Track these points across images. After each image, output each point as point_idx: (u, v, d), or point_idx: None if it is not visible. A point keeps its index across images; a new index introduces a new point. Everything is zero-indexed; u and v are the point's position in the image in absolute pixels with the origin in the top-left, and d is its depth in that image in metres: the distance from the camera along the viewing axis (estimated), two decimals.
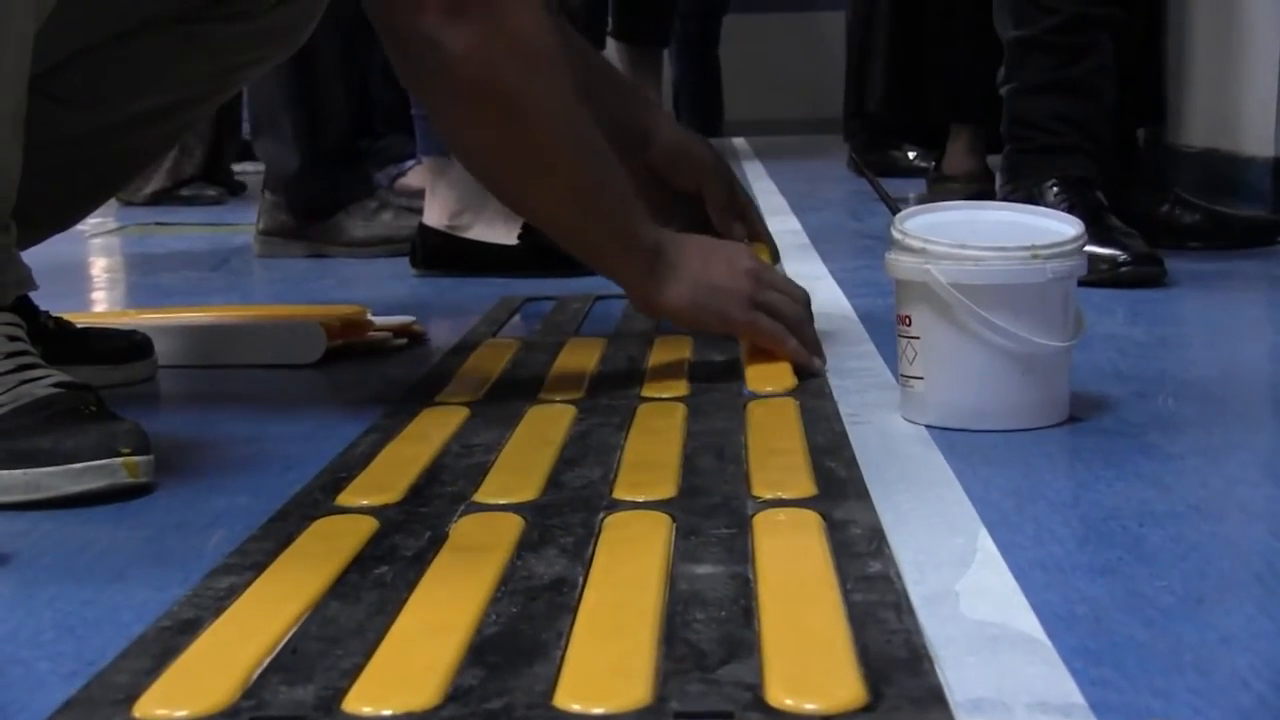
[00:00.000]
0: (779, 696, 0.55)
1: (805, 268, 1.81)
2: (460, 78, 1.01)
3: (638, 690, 0.56)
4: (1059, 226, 1.01)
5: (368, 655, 0.60)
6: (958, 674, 0.58)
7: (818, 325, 1.17)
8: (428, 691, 0.57)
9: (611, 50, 3.72)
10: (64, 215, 1.26)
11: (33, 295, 1.13)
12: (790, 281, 1.18)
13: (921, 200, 2.48)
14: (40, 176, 1.16)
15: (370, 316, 1.37)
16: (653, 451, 0.92)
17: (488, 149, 1.06)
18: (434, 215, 1.85)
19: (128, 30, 1.15)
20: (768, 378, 1.09)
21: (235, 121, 3.08)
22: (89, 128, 1.17)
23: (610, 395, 1.09)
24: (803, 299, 1.15)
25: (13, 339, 0.93)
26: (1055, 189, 1.68)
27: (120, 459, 0.87)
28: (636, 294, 1.11)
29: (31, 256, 1.08)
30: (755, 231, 1.30)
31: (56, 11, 1.08)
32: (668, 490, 0.83)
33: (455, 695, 0.56)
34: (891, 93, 2.99)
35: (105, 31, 1.15)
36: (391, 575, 0.71)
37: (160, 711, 0.56)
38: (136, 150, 1.24)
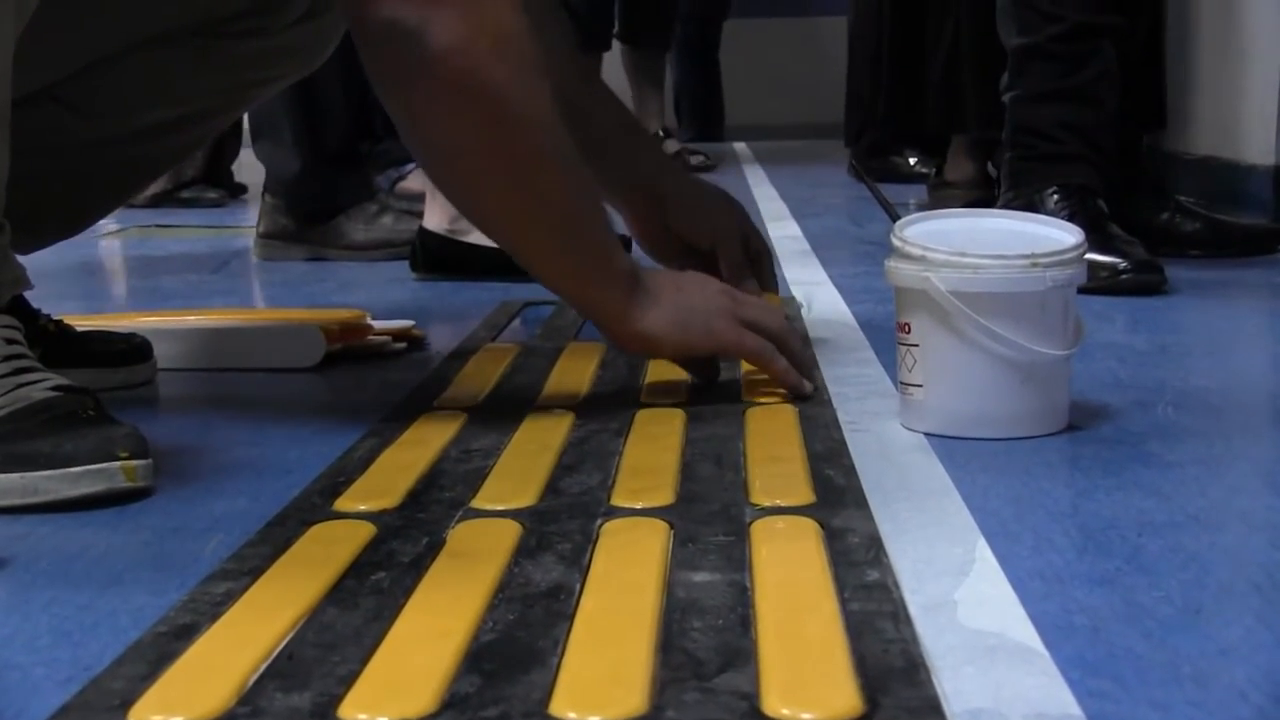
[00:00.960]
0: (775, 706, 0.55)
1: (805, 274, 1.81)
2: (443, 75, 0.95)
3: (634, 699, 0.56)
4: (1059, 235, 1.01)
5: (364, 662, 0.60)
6: (955, 684, 0.58)
7: (818, 333, 1.17)
8: (424, 698, 0.56)
9: (616, 52, 3.73)
10: (73, 221, 1.27)
11: (33, 297, 1.14)
12: (767, 304, 1.15)
13: (922, 207, 2.48)
14: (51, 181, 1.16)
15: (369, 320, 1.37)
16: (651, 458, 0.92)
17: (466, 156, 0.99)
18: (434, 219, 1.85)
19: (143, 41, 1.16)
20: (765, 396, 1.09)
21: (236, 125, 3.08)
22: (101, 136, 1.18)
23: (609, 401, 1.09)
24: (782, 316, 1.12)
25: (10, 341, 0.93)
26: (1056, 196, 1.69)
27: (118, 463, 0.87)
28: (616, 324, 1.04)
29: (31, 258, 1.08)
30: (764, 285, 1.27)
31: (74, 21, 1.08)
32: (666, 497, 0.83)
33: (451, 702, 0.56)
34: (892, 101, 2.99)
35: (121, 42, 1.15)
36: (388, 581, 0.70)
37: (156, 717, 0.56)
38: (147, 160, 1.24)
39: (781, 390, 1.08)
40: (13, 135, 0.95)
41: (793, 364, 1.08)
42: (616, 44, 3.71)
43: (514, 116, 0.98)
